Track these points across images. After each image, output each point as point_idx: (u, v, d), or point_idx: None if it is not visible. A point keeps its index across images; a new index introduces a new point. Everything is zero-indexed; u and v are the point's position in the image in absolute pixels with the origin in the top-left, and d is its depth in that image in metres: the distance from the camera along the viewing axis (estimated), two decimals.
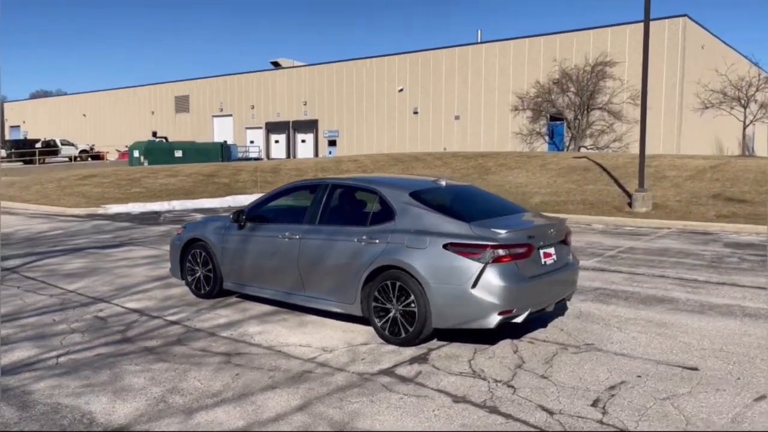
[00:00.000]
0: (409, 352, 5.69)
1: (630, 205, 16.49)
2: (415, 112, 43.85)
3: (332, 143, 47.92)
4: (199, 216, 16.56)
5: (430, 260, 5.59)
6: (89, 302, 7.61)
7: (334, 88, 48.04)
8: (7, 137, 75.93)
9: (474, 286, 5.40)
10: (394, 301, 5.80)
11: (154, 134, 58.37)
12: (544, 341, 5.99)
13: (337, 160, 30.34)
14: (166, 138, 53.53)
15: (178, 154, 44.64)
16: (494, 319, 5.41)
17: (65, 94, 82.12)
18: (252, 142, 53.17)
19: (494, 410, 4.41)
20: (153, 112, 61.61)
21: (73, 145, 55.75)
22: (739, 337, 6.03)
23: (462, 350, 5.72)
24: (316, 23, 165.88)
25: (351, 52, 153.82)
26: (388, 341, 5.91)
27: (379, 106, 45.75)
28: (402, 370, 5.22)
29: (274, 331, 6.35)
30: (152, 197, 22.18)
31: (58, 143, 54.65)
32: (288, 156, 49.31)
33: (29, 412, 4.37)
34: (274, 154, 51.24)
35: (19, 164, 50.83)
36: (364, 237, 6.07)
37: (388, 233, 5.94)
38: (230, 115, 54.98)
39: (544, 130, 38.70)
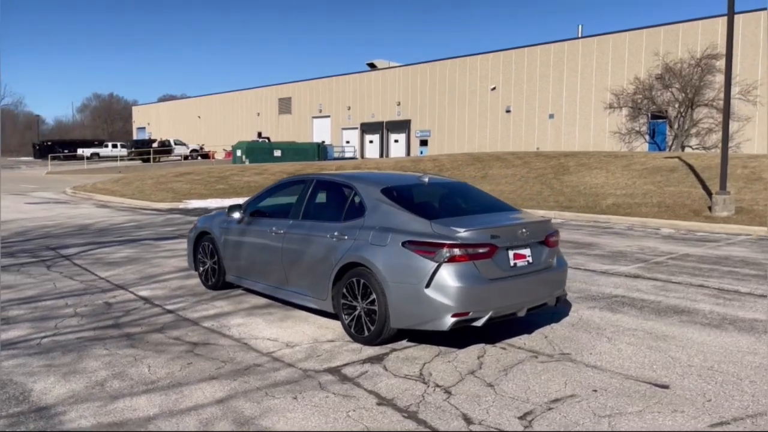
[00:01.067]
0: (370, 351, 5.56)
1: (710, 208, 15.14)
2: (508, 111, 42.83)
3: (424, 143, 47.87)
4: None
5: (389, 258, 5.44)
6: (109, 289, 8.08)
7: (427, 87, 47.96)
8: (135, 137, 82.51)
9: (428, 285, 5.18)
10: (359, 298, 5.69)
11: (259, 135, 61.21)
12: (519, 348, 5.64)
13: (416, 159, 30.26)
14: (268, 138, 55.94)
15: (277, 153, 46.55)
16: (447, 321, 5.17)
17: (188, 97, 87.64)
18: (348, 142, 54.27)
19: (412, 416, 4.21)
20: (258, 114, 64.50)
21: (185, 144, 59.65)
22: (741, 356, 5.36)
23: (425, 352, 5.50)
24: (411, 23, 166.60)
25: (445, 51, 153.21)
26: (354, 339, 5.82)
27: (471, 106, 45.13)
28: (349, 369, 5.10)
29: (253, 324, 6.42)
30: (233, 194, 23.23)
31: (172, 143, 58.70)
32: (381, 155, 49.84)
33: None
34: (368, 154, 52.00)
35: (138, 162, 55.16)
36: (336, 233, 6.01)
37: (357, 229, 5.84)
38: (328, 116, 56.43)
39: (644, 128, 36.42)
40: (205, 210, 19.15)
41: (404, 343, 5.77)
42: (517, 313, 5.53)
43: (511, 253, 5.48)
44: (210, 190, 24.11)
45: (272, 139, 55.71)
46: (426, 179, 6.43)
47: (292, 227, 6.58)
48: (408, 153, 48.28)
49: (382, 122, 50.97)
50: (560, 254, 6.11)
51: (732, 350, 5.51)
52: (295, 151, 47.32)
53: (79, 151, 63.29)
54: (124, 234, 13.45)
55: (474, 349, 5.58)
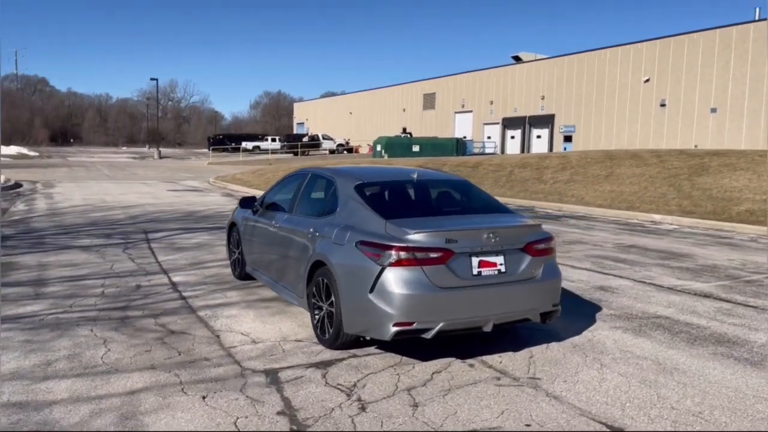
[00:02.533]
0: (327, 354, 5.26)
1: None
2: (662, 105, 39.12)
3: (567, 139, 45.33)
4: None
5: (344, 258, 5.10)
6: (154, 272, 8.51)
7: (573, 80, 45.32)
8: (294, 132, 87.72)
9: (371, 290, 4.77)
10: (323, 299, 5.41)
11: (404, 130, 62.01)
12: (489, 366, 5.02)
13: (542, 156, 28.68)
14: (410, 133, 56.47)
15: (416, 148, 46.84)
16: (389, 331, 4.71)
17: (346, 93, 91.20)
18: (489, 137, 53.05)
19: (300, 430, 3.87)
20: (404, 110, 65.29)
21: (332, 139, 62.20)
22: (751, 403, 4.29)
23: (382, 362, 5.09)
24: (561, 12, 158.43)
25: (595, 41, 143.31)
26: (318, 340, 5.55)
27: (620, 99, 41.89)
28: (287, 373, 4.86)
29: (242, 317, 6.38)
30: None
31: (320, 138, 61.45)
32: (522, 151, 48.08)
33: None
34: (509, 150, 50.42)
35: (289, 155, 58.56)
36: (311, 229, 5.77)
37: (327, 226, 5.55)
38: (470, 111, 55.59)
39: None
40: None
41: (371, 349, 5.39)
42: (482, 327, 4.91)
43: (475, 260, 4.86)
44: None
45: (415, 135, 56.12)
46: (414, 176, 5.93)
47: (285, 221, 6.45)
48: (551, 149, 46.07)
49: (525, 117, 49.10)
50: (552, 264, 5.31)
51: (746, 394, 4.44)
52: (433, 146, 47.23)
53: (243, 144, 68.58)
54: (217, 222, 14.20)
55: (437, 363, 5.06)
